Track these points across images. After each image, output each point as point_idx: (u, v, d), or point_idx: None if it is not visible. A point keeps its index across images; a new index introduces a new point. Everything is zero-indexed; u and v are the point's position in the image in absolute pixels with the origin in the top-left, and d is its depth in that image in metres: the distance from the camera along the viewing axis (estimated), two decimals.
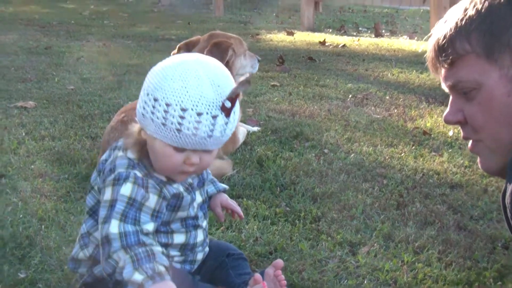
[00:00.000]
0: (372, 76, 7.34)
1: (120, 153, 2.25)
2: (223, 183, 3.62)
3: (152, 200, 2.19)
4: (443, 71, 2.00)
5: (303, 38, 10.78)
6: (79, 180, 3.68)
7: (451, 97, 2.03)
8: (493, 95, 1.89)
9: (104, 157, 2.32)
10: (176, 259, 2.30)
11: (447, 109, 2.03)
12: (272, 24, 13.69)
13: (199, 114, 2.05)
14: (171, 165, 2.17)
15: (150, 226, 2.17)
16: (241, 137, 4.55)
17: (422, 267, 2.69)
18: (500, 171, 2.01)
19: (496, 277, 2.61)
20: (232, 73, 4.53)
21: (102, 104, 5.54)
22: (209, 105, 2.05)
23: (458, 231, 3.11)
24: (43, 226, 3.02)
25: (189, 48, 4.60)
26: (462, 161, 4.16)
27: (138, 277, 2.02)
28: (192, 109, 2.04)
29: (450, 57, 1.94)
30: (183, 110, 2.04)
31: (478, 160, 2.06)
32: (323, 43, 10.07)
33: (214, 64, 2.15)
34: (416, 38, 11.21)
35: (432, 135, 4.79)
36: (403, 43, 10.32)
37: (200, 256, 2.42)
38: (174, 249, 2.30)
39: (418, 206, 3.39)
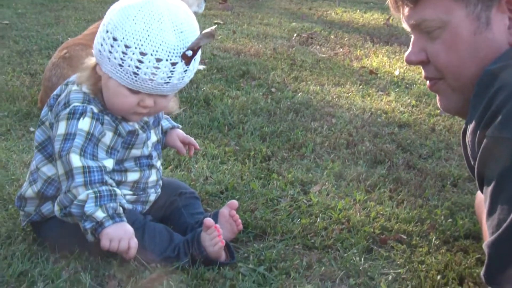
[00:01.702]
0: (316, 15, 7.27)
1: (75, 87, 2.17)
2: None
3: (107, 137, 2.14)
4: (406, 9, 1.94)
5: None
6: (20, 118, 3.54)
7: (413, 37, 1.98)
8: (458, 34, 1.85)
9: (56, 92, 2.23)
10: (128, 197, 2.24)
11: (409, 49, 1.98)
12: None
13: (158, 60, 1.99)
14: (124, 105, 2.11)
15: (109, 163, 2.13)
16: None
17: (374, 205, 2.68)
18: (459, 110, 1.98)
19: (447, 214, 2.62)
20: None
21: (40, 40, 5.33)
22: (169, 52, 1.99)
23: (408, 169, 3.12)
24: None
25: None
26: (409, 100, 4.17)
27: (100, 214, 2.01)
28: (151, 54, 1.98)
29: None
30: (142, 54, 1.98)
31: (438, 99, 2.03)
32: None
33: (179, 7, 2.06)
34: None
35: (379, 75, 4.78)
36: None
37: (152, 197, 2.37)
38: (126, 187, 2.25)
39: (368, 145, 3.38)
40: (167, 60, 1.99)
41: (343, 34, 6.26)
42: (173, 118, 3.64)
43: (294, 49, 5.55)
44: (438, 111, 3.94)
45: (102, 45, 2.05)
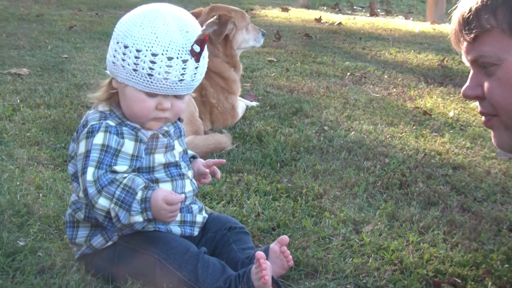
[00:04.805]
0: (370, 55, 7.27)
1: (91, 110, 2.27)
2: (222, 157, 3.58)
3: (129, 146, 2.19)
4: (465, 44, 1.95)
5: (298, 14, 10.70)
6: None
7: (471, 72, 1.99)
8: None
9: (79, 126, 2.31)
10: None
11: (467, 83, 1.99)
12: None
13: (169, 59, 2.11)
14: (143, 110, 2.19)
15: (120, 168, 2.15)
16: (240, 111, 4.49)
17: (428, 247, 2.65)
18: None
19: (503, 259, 2.56)
20: (233, 47, 4.48)
21: (97, 74, 5.46)
22: (179, 50, 2.12)
23: (462, 212, 3.07)
24: (41, 195, 2.95)
25: None
26: (464, 142, 4.12)
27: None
28: (162, 54, 2.11)
29: (474, 31, 1.89)
30: (154, 55, 2.11)
31: (492, 135, 2.03)
32: (318, 20, 10.00)
33: (181, 11, 2.21)
34: (411, 18, 11.17)
35: (433, 115, 4.74)
36: (399, 23, 10.26)
37: (199, 219, 2.40)
38: None
39: (421, 186, 3.34)
40: (177, 58, 2.12)
41: (396, 74, 6.24)
42: (226, 154, 3.68)
43: (347, 88, 5.55)
44: (494, 154, 3.88)
45: (114, 56, 2.17)
